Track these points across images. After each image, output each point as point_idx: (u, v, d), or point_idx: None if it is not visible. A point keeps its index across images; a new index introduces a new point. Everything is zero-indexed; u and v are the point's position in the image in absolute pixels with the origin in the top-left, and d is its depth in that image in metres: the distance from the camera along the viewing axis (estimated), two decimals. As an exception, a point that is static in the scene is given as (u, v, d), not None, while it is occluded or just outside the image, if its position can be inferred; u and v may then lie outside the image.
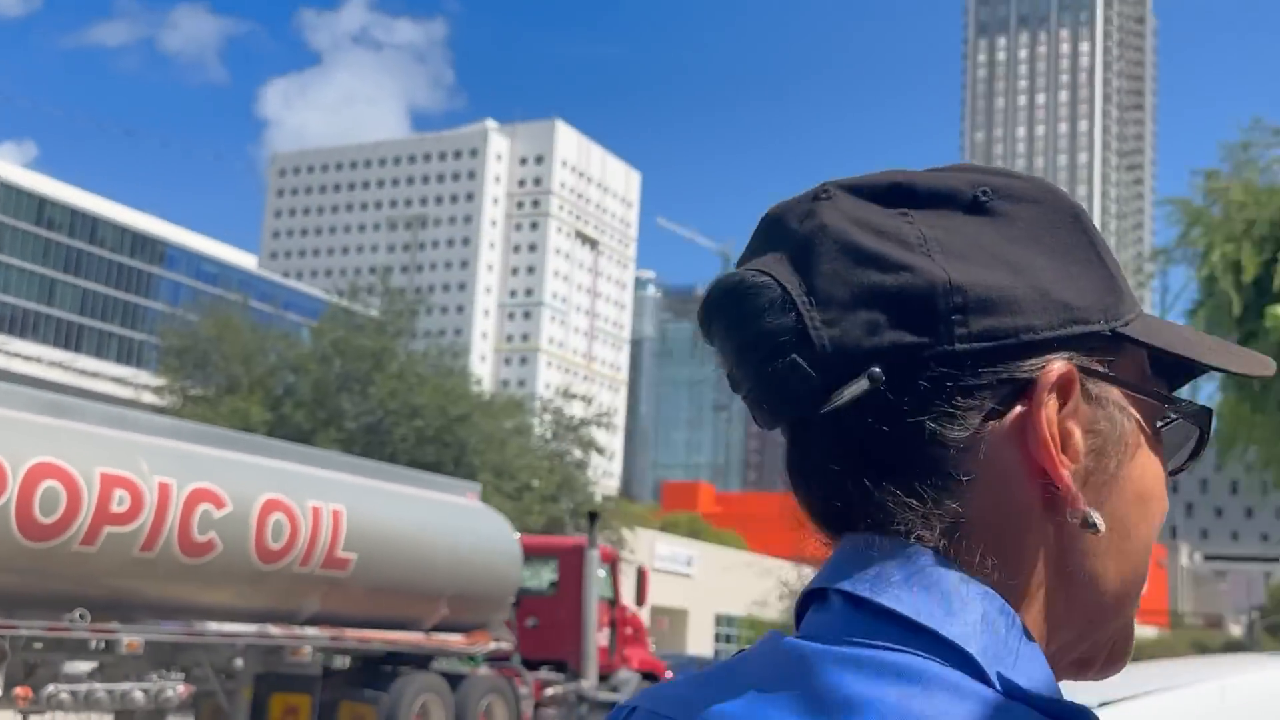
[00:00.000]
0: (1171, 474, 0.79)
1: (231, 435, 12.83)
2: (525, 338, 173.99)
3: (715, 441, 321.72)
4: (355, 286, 32.71)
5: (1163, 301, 16.80)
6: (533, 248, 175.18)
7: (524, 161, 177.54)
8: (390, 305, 31.76)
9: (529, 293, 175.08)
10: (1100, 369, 0.74)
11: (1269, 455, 19.79)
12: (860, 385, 0.70)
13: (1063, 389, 0.72)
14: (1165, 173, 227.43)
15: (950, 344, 0.71)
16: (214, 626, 11.33)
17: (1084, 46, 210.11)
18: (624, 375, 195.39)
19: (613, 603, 17.23)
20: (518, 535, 14.73)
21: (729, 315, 0.75)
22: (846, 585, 0.72)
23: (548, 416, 33.42)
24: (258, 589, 11.60)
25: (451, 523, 13.65)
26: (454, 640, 13.90)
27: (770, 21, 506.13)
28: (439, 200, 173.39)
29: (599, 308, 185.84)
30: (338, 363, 30.39)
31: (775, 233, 0.77)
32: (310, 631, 12.31)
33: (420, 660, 13.85)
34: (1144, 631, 67.88)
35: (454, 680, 13.87)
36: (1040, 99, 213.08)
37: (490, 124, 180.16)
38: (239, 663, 11.99)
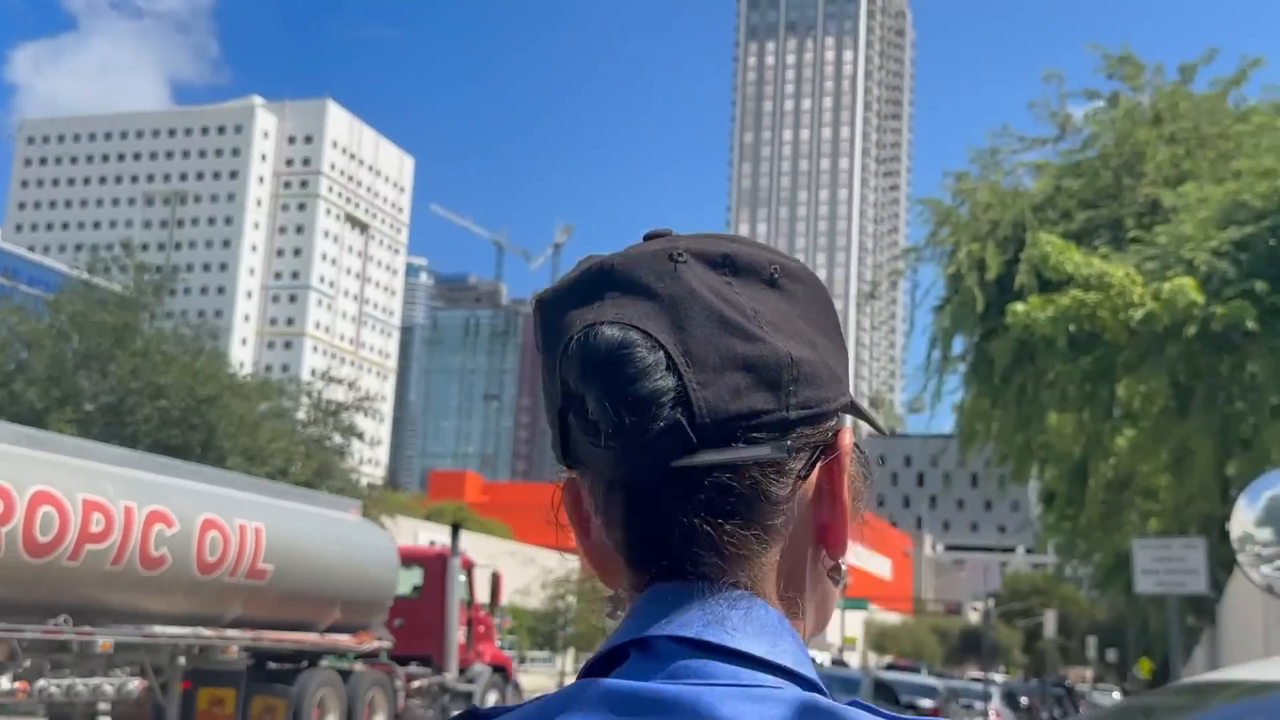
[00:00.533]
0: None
1: (174, 463, 15.03)
2: (290, 321, 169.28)
3: (485, 431, 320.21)
4: (98, 259, 30.76)
5: (913, 298, 17.35)
6: (300, 229, 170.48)
7: (292, 140, 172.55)
8: (136, 279, 30.02)
9: (295, 275, 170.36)
10: (849, 432, 0.86)
11: (1007, 448, 20.73)
12: (760, 451, 0.79)
13: (847, 446, 0.84)
14: (919, 179, 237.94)
15: (786, 411, 0.80)
16: (158, 629, 13.25)
17: (847, 55, 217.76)
18: (393, 363, 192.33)
19: (469, 604, 19.35)
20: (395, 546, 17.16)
21: (614, 372, 0.78)
22: (688, 631, 0.78)
23: (305, 400, 32.28)
24: (192, 596, 13.51)
25: (343, 535, 15.80)
26: (345, 640, 15.99)
27: (549, 14, 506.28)
28: (200, 176, 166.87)
29: (368, 293, 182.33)
30: (76, 338, 28.60)
31: (627, 284, 0.81)
32: (235, 633, 14.25)
33: (313, 658, 15.75)
34: (889, 618, 70.70)
35: (344, 675, 15.95)
36: (806, 104, 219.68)
37: (257, 100, 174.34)
38: (181, 660, 13.91)
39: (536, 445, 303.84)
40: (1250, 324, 12.33)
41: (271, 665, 15.31)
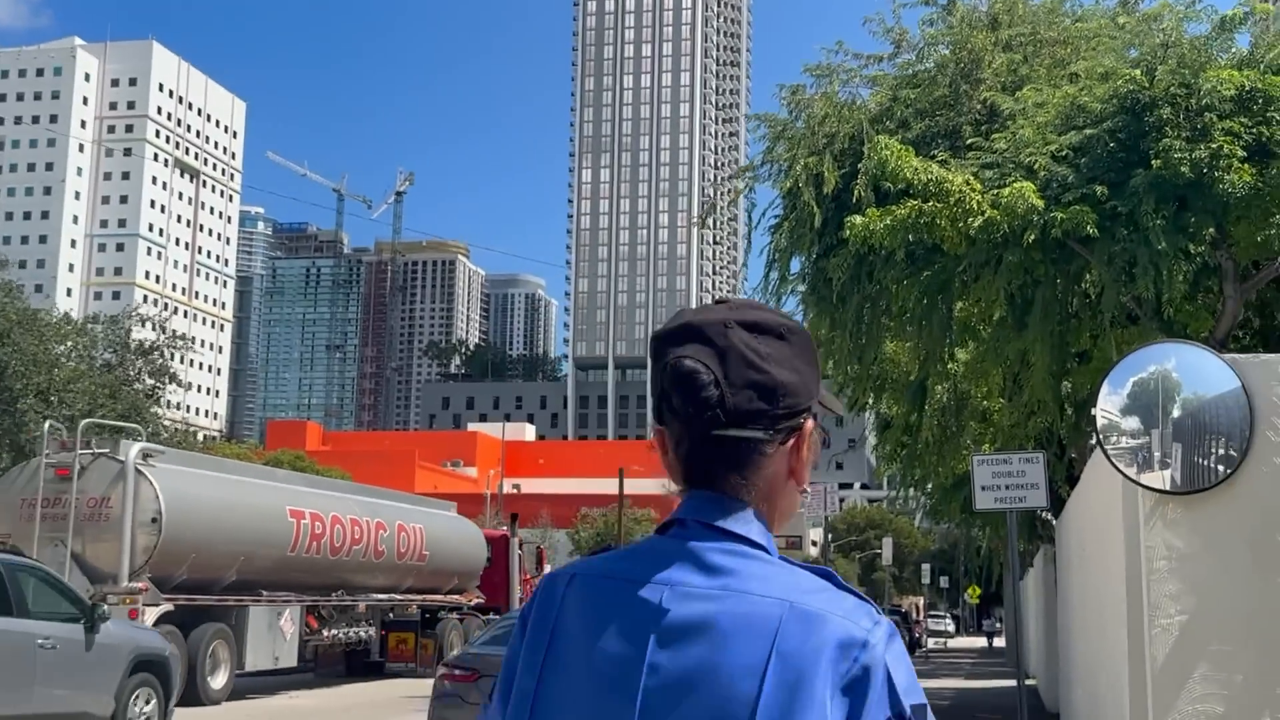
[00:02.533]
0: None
1: (377, 489, 24.19)
2: (118, 271, 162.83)
3: (329, 382, 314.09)
4: None
5: (749, 220, 16.72)
6: (126, 175, 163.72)
7: (116, 83, 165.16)
8: None
9: (122, 223, 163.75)
10: (813, 419, 1.51)
11: (845, 376, 20.33)
12: (754, 432, 1.44)
13: (809, 429, 1.50)
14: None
15: (776, 408, 1.45)
16: (381, 596, 21.85)
17: (686, 1, 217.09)
18: (229, 313, 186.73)
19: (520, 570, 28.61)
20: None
21: (690, 384, 1.43)
22: (705, 518, 1.45)
23: (114, 338, 30.14)
24: (391, 574, 21.82)
25: (455, 528, 24.90)
26: (459, 598, 24.80)
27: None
28: (19, 120, 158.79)
29: (201, 242, 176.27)
30: None
31: (698, 336, 1.46)
32: (414, 597, 23.08)
33: (435, 611, 23.95)
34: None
35: (461, 619, 24.37)
36: (646, 50, 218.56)
37: (77, 41, 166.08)
38: (390, 615, 22.79)
39: (381, 395, 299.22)
40: (1090, 229, 11.98)
41: (427, 615, 23.70)
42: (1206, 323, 12.95)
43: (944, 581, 69.40)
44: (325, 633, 20.59)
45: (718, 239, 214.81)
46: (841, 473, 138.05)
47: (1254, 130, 11.97)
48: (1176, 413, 5.41)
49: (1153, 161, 11.88)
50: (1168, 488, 5.34)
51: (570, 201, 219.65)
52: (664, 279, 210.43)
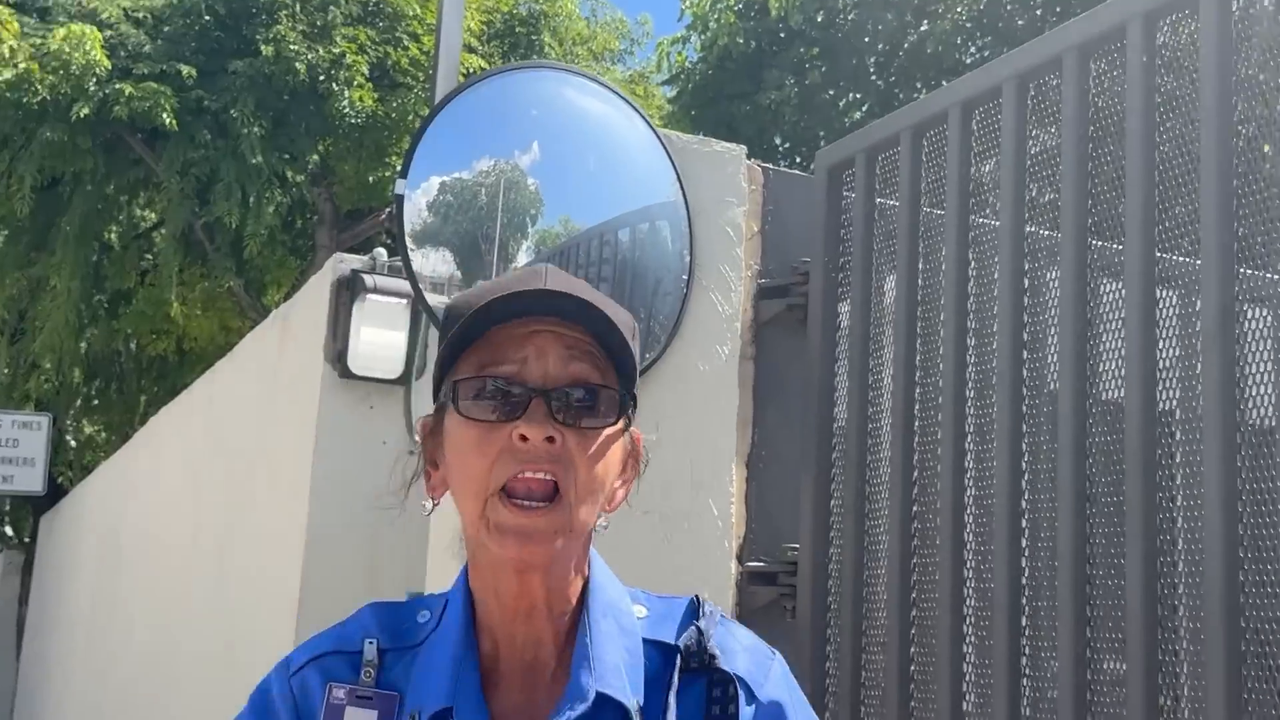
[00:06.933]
0: None
1: None
2: None
3: None
4: None
5: None
6: None
7: None
8: None
9: None
10: None
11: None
12: None
13: None
14: None
15: None
16: None
17: None
18: None
19: None
20: None
21: None
22: None
23: None
24: None
25: None
26: None
27: None
28: None
29: None
30: None
31: None
32: None
33: None
34: None
35: None
36: None
37: None
38: None
39: None
40: (168, 119, 8.87)
41: None
42: (291, 274, 10.41)
43: None
44: None
45: None
46: None
47: (381, 48, 9.81)
48: (525, 255, 2.60)
49: (263, 48, 9.13)
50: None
51: None
52: None
